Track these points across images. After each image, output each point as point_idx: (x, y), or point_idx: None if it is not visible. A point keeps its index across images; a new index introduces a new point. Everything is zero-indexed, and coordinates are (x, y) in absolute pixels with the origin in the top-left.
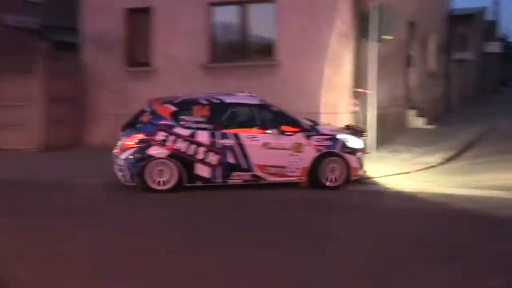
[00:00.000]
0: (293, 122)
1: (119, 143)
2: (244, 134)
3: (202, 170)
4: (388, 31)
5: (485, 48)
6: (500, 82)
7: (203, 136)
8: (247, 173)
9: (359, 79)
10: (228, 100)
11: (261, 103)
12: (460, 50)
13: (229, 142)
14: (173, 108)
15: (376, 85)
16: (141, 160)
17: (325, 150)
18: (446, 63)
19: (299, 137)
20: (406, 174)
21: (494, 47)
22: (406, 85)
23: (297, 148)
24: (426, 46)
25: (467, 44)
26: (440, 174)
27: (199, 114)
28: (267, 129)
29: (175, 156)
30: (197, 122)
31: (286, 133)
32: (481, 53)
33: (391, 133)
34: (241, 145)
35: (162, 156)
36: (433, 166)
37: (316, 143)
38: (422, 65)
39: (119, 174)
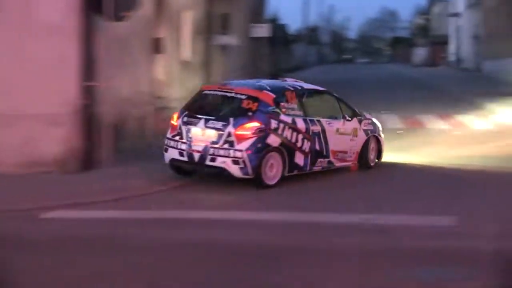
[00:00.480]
0: (349, 107)
1: (208, 132)
2: (324, 119)
3: (299, 158)
4: (128, 6)
5: (252, 31)
6: (271, 74)
7: (300, 123)
8: (325, 159)
9: (90, 68)
10: (306, 86)
11: (326, 89)
12: (222, 34)
13: (317, 128)
14: (273, 95)
15: (113, 76)
16: (261, 150)
17: (370, 134)
18: (205, 49)
19: (355, 122)
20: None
21: (262, 31)
22: (153, 77)
23: (355, 132)
24: (180, 28)
25: (231, 26)
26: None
27: (292, 101)
28: (333, 114)
29: (284, 145)
30: (293, 109)
31: (347, 119)
32: (249, 37)
33: (136, 139)
34: (323, 131)
35: (276, 145)
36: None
37: (365, 127)
38: (175, 51)
39: (236, 167)
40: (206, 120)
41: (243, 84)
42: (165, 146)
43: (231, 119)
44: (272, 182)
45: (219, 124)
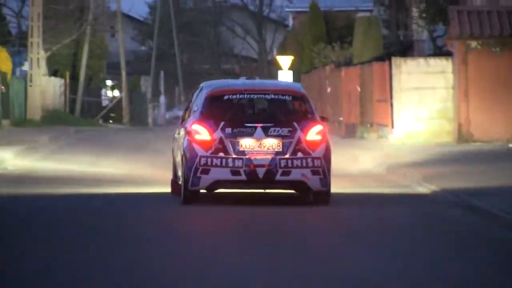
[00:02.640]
0: None
1: (269, 142)
2: None
3: None
4: None
5: None
6: None
7: None
8: None
9: None
10: None
11: None
12: None
13: None
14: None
15: None
16: (331, 157)
17: None
18: None
19: None
20: None
21: None
22: None
23: None
24: None
25: None
26: None
27: None
28: None
29: None
30: None
31: None
32: None
33: None
34: None
35: None
36: None
37: None
38: None
39: (316, 178)
40: (265, 128)
41: (270, 83)
42: (202, 167)
43: (295, 124)
44: None
45: (284, 131)
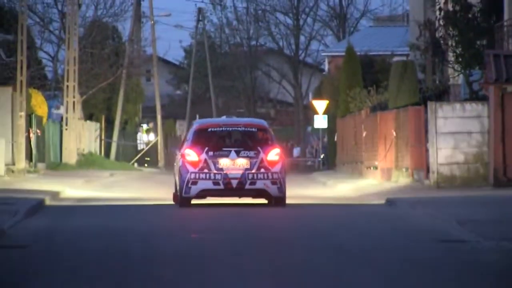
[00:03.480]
0: None
1: (240, 161)
2: None
3: None
4: None
5: None
6: None
7: None
8: None
9: None
10: None
11: None
12: None
13: None
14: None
15: None
16: (285, 172)
17: None
18: None
19: None
20: None
21: None
22: None
23: None
24: None
25: None
26: None
27: None
28: None
29: None
30: None
31: None
32: None
33: None
34: None
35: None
36: None
37: None
38: None
39: (275, 187)
40: (237, 151)
41: (243, 120)
42: (192, 180)
43: (259, 148)
44: None
45: (251, 153)
